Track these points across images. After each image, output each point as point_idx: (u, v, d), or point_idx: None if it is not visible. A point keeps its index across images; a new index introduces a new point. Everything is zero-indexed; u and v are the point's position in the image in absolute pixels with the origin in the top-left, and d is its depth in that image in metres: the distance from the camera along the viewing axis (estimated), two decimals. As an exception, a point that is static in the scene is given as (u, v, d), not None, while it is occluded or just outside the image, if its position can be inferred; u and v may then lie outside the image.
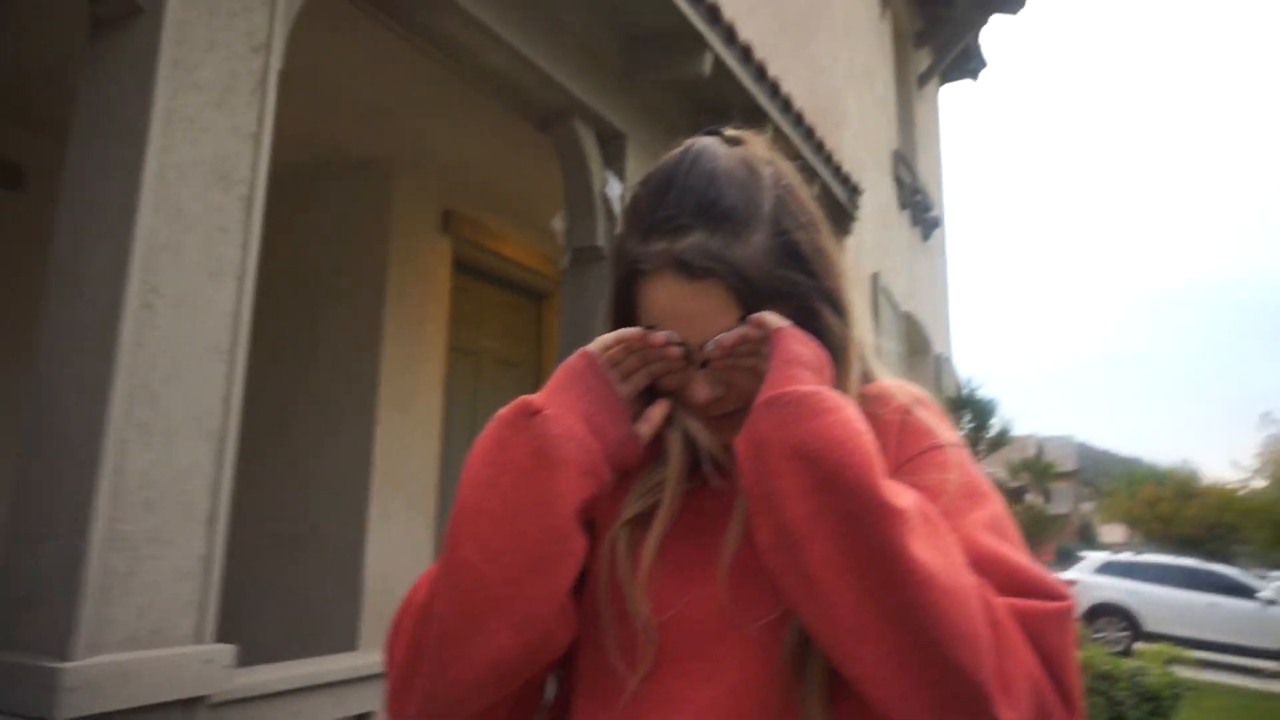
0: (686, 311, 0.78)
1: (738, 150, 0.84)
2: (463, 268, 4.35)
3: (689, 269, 0.76)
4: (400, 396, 3.83)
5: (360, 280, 3.86)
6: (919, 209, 8.46)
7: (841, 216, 4.85)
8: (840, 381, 0.80)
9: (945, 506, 0.74)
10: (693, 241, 0.77)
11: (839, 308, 0.83)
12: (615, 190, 3.04)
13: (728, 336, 0.77)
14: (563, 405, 0.78)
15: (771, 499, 0.69)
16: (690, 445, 0.84)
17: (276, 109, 1.82)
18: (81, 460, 1.46)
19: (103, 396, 1.46)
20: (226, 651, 1.63)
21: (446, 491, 4.12)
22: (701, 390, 0.81)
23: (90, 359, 1.49)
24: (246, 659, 1.89)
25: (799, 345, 0.75)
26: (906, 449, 0.80)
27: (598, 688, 0.80)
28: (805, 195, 0.85)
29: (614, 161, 3.11)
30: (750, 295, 0.77)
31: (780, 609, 0.73)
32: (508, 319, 4.81)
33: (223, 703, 1.67)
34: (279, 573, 3.71)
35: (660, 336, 0.79)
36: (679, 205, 0.78)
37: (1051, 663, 0.68)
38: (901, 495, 0.68)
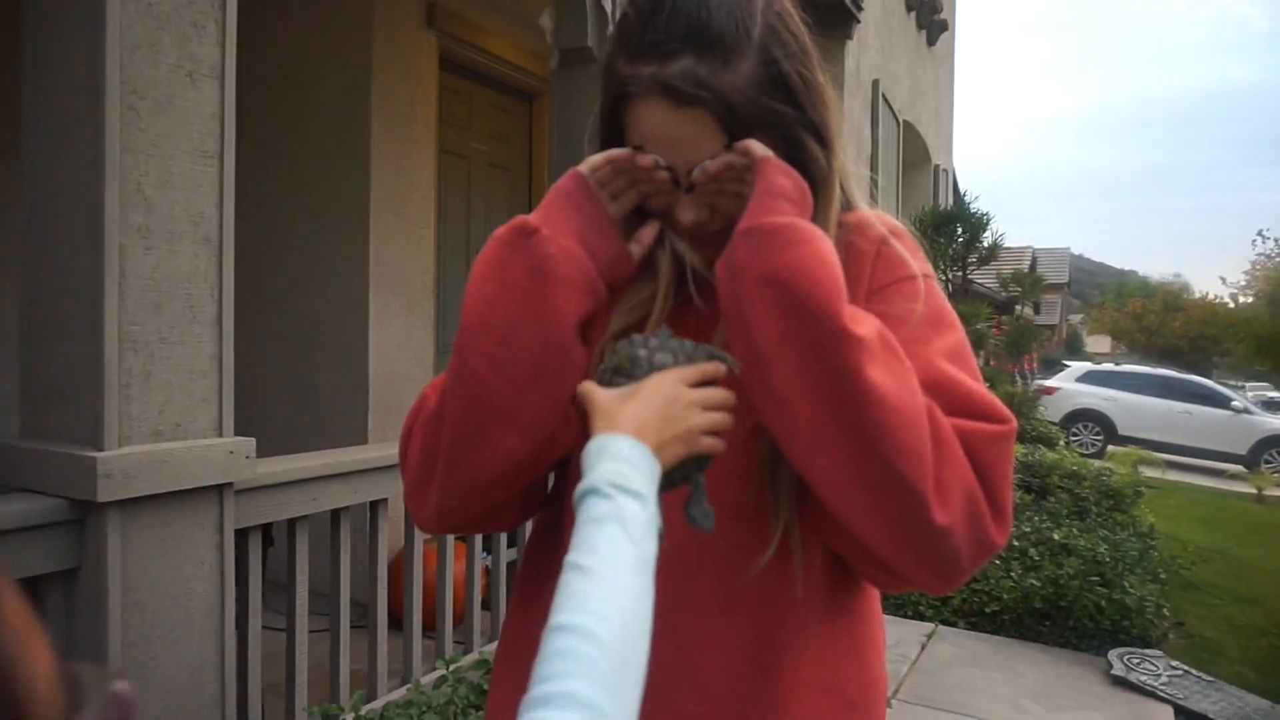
0: (672, 137, 0.79)
1: None
2: (450, 66, 4.19)
3: (676, 94, 0.77)
4: (392, 200, 3.81)
5: (345, 80, 3.74)
6: (926, 10, 8.04)
7: (843, 17, 4.63)
8: (820, 211, 0.83)
9: (910, 334, 0.80)
10: (681, 67, 0.77)
11: (823, 139, 0.84)
12: (607, -16, 2.90)
13: (713, 164, 0.79)
14: (557, 224, 0.81)
15: (744, 321, 0.74)
16: (678, 263, 0.88)
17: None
18: (86, 265, 1.50)
19: (97, 201, 1.48)
20: (248, 443, 1.74)
21: (443, 294, 4.19)
22: (687, 213, 0.84)
23: (79, 163, 1.50)
24: (266, 451, 2.02)
25: (781, 176, 0.78)
26: (880, 277, 0.85)
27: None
28: (797, 22, 0.84)
29: (604, -50, 2.94)
30: (735, 123, 0.78)
31: (755, 419, 0.79)
32: (497, 121, 4.70)
33: (247, 489, 1.80)
34: (289, 372, 3.85)
35: (648, 160, 0.81)
36: (667, 28, 0.77)
37: (987, 477, 0.76)
38: (863, 323, 0.73)
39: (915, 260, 0.87)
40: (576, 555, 0.63)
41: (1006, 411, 0.79)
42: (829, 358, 0.72)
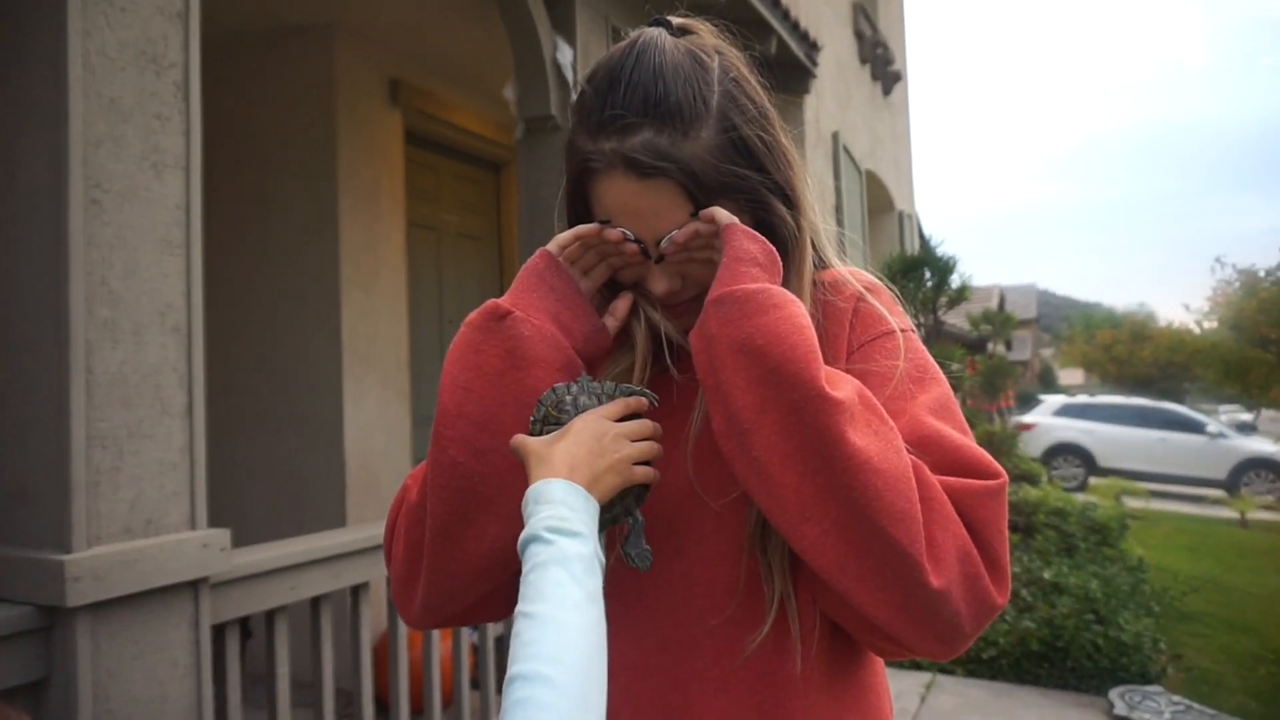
0: (638, 209, 0.80)
1: (684, 41, 0.84)
2: (416, 140, 4.24)
3: (638, 167, 0.78)
4: (362, 276, 3.81)
5: (310, 158, 3.75)
6: (880, 63, 8.26)
7: (800, 74, 4.73)
8: (793, 272, 0.83)
9: (893, 390, 0.80)
10: (641, 140, 0.77)
11: (790, 199, 0.85)
12: (566, 56, 2.95)
13: (680, 233, 0.80)
14: (529, 305, 0.81)
15: (721, 390, 0.74)
16: (653, 333, 0.88)
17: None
18: (51, 362, 1.47)
19: (61, 297, 1.45)
20: (222, 535, 1.69)
21: (417, 367, 4.17)
22: (659, 283, 0.84)
23: (41, 259, 1.48)
24: (242, 539, 1.96)
25: (748, 241, 0.78)
26: (859, 335, 0.85)
27: None
28: (754, 86, 0.85)
29: (562, 25, 3.00)
30: (700, 190, 0.79)
31: (740, 488, 0.78)
32: (466, 192, 4.74)
33: (224, 582, 1.74)
34: (265, 456, 3.79)
35: (615, 233, 0.81)
36: (625, 103, 0.78)
37: (981, 535, 0.74)
38: (841, 386, 0.73)
39: (893, 315, 0.87)
40: (524, 604, 0.65)
41: (997, 465, 0.78)
42: (809, 423, 0.71)
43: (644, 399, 0.81)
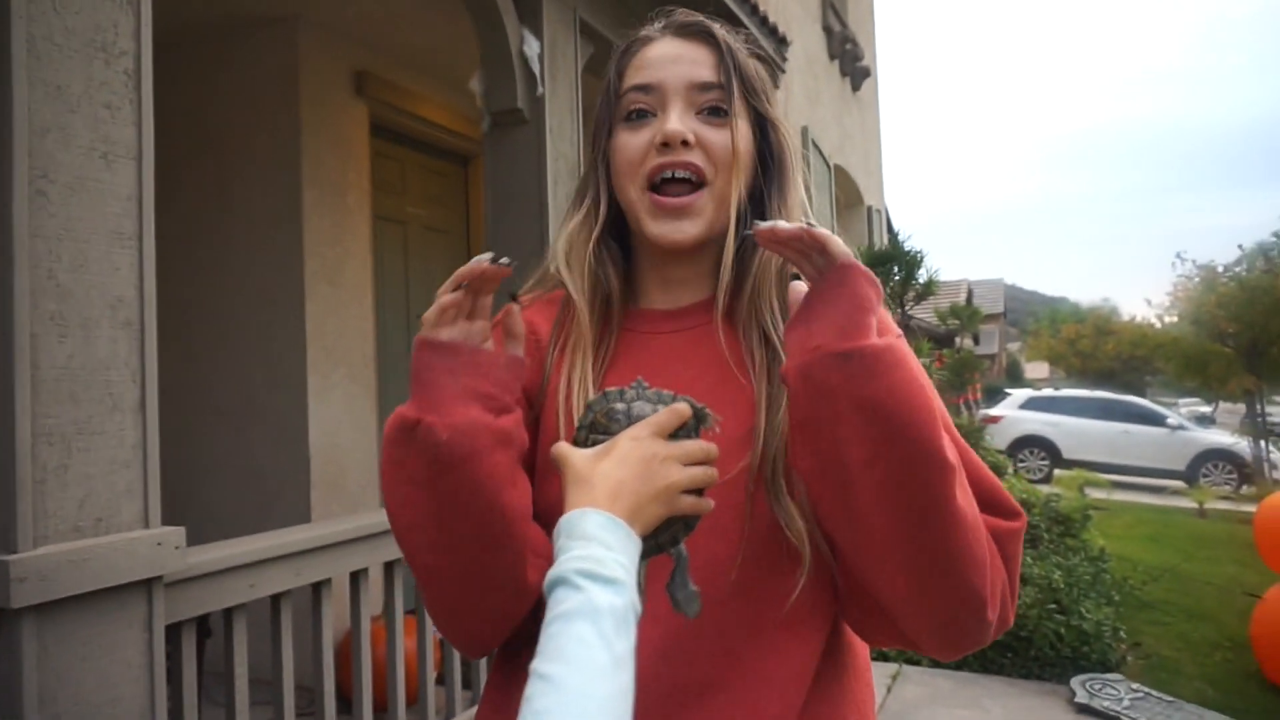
0: (677, 55, 0.87)
1: None
2: (381, 132, 4.19)
3: (687, 29, 0.89)
4: (328, 269, 3.76)
5: (274, 151, 3.69)
6: (849, 59, 8.30)
7: (769, 69, 4.73)
8: (790, 190, 0.89)
9: None
10: (699, 19, 0.91)
11: (788, 134, 0.93)
12: (533, 49, 2.92)
13: (786, 228, 0.73)
14: (435, 402, 0.75)
15: (830, 439, 0.71)
16: (605, 290, 0.89)
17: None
18: (-6, 358, 1.43)
19: (5, 290, 1.41)
20: (176, 533, 1.66)
21: (384, 362, 4.12)
22: (675, 123, 0.84)
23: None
24: (203, 536, 1.93)
25: (868, 287, 0.74)
26: None
27: None
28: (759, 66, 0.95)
29: (530, 18, 2.97)
30: (730, 70, 0.86)
31: (741, 431, 0.80)
32: (433, 185, 4.69)
33: (179, 580, 1.71)
34: (226, 451, 3.73)
35: (482, 266, 0.76)
36: (680, 13, 0.92)
37: (1011, 570, 0.80)
38: (949, 446, 0.73)
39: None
40: (542, 662, 0.56)
41: (1017, 505, 0.83)
42: (921, 484, 0.70)
43: (704, 415, 0.72)
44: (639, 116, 0.86)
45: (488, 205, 3.09)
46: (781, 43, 4.71)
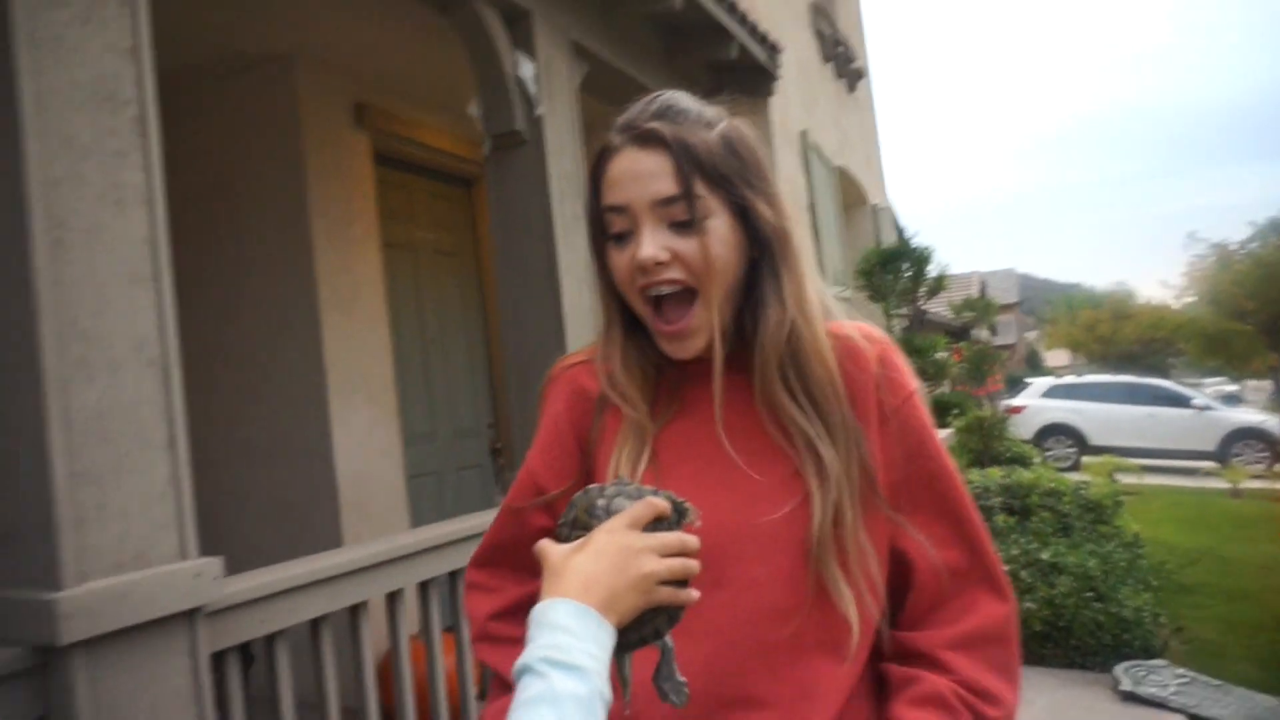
0: (635, 172, 0.87)
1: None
2: (385, 161, 4.24)
3: (641, 137, 0.88)
4: (341, 299, 3.81)
5: (279, 186, 3.76)
6: (842, 61, 8.32)
7: (763, 77, 4.75)
8: (784, 270, 0.89)
9: (921, 450, 0.90)
10: (651, 125, 0.88)
11: (776, 208, 0.91)
12: (528, 71, 2.96)
13: None
14: None
15: None
16: (649, 379, 0.94)
17: (153, 9, 1.74)
18: (27, 403, 1.46)
19: (31, 338, 1.45)
20: (214, 564, 1.69)
21: (403, 386, 4.16)
22: (646, 248, 0.87)
23: (11, 302, 1.47)
24: (239, 567, 1.95)
25: None
26: (889, 399, 0.90)
27: None
28: (755, 142, 0.94)
29: (523, 42, 3.01)
30: (692, 168, 0.86)
31: (789, 504, 0.83)
32: (438, 209, 4.74)
33: (219, 610, 1.74)
34: (256, 484, 3.78)
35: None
36: (643, 111, 0.91)
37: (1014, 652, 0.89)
38: None
39: (909, 371, 0.93)
40: None
41: (1007, 585, 0.90)
42: None
43: (684, 510, 0.74)
44: (620, 238, 0.90)
45: (494, 226, 3.13)
46: (773, 50, 4.74)
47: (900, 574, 0.89)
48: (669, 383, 0.94)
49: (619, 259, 0.90)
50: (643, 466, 0.89)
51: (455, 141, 4.61)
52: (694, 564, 0.72)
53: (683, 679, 0.74)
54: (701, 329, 0.88)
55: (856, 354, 0.90)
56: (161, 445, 1.64)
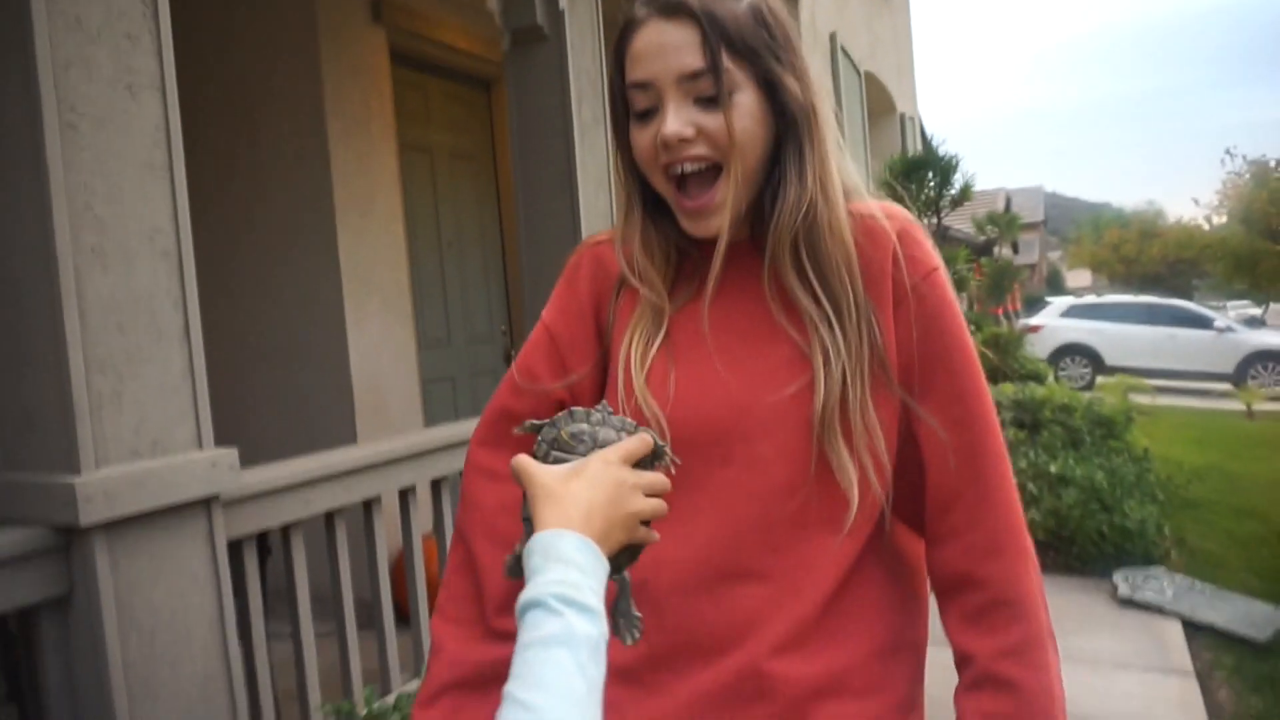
0: (660, 45, 0.84)
1: None
2: (402, 60, 4.14)
3: (670, 8, 0.84)
4: (357, 200, 3.78)
5: (295, 83, 3.68)
6: (877, -43, 7.98)
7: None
8: (810, 149, 0.86)
9: (940, 328, 0.87)
10: None
11: (804, 83, 0.87)
12: (549, -41, 2.86)
13: None
14: None
15: None
16: (670, 261, 0.93)
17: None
18: (43, 290, 1.47)
19: (46, 224, 1.45)
20: (230, 454, 1.72)
21: (419, 291, 4.17)
22: (671, 124, 0.84)
23: (23, 186, 1.47)
24: (255, 462, 2.00)
25: None
26: (908, 276, 0.87)
27: None
28: (785, 15, 0.90)
29: (543, -74, 2.89)
30: (720, 40, 0.83)
31: (796, 384, 0.83)
32: (456, 111, 4.65)
33: (236, 500, 1.78)
34: (272, 385, 3.83)
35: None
36: None
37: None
38: None
39: (931, 248, 0.91)
40: (519, 687, 0.55)
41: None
42: None
43: (661, 451, 0.74)
44: (644, 115, 0.87)
45: (512, 126, 3.07)
46: (805, -57, 4.54)
47: (915, 458, 0.89)
48: (690, 265, 0.93)
49: (642, 137, 0.87)
50: (657, 346, 0.89)
51: (473, 41, 4.48)
52: (665, 506, 0.73)
53: (638, 613, 0.75)
54: (724, 205, 0.85)
55: (875, 232, 0.88)
56: (176, 337, 1.65)
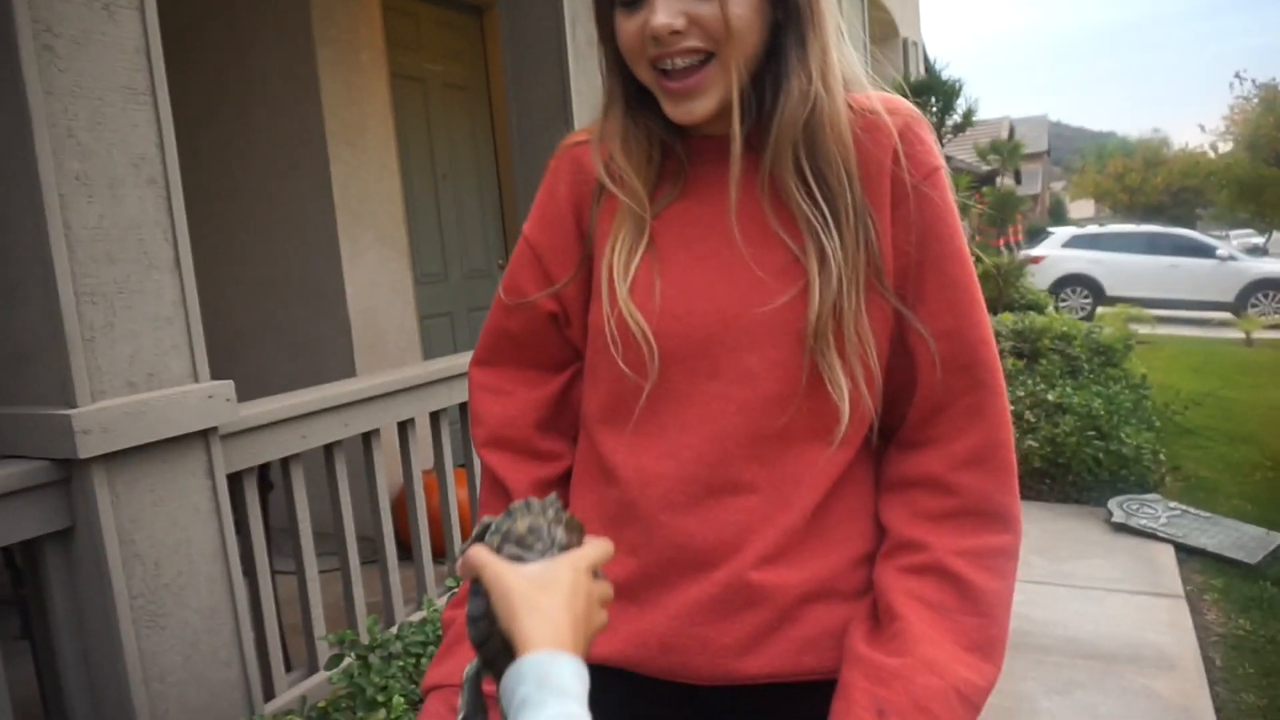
0: None
1: None
2: (389, -16, 4.02)
3: None
4: (349, 131, 3.70)
5: (283, 9, 3.58)
6: None
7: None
8: (812, 36, 0.80)
9: (940, 232, 0.83)
10: None
11: None
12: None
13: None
14: None
15: None
16: (653, 161, 0.87)
17: None
18: (28, 220, 1.44)
19: (27, 150, 1.41)
20: (227, 386, 1.71)
21: (414, 223, 4.11)
22: (660, 14, 0.79)
23: (2, 112, 1.43)
24: (253, 396, 1.99)
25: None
26: (909, 175, 0.82)
27: (616, 406, 0.88)
28: None
29: None
30: None
31: (788, 294, 0.80)
32: (449, 39, 4.53)
33: (235, 433, 1.78)
34: (267, 320, 3.81)
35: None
36: None
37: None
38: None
39: (936, 145, 0.86)
40: None
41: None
42: None
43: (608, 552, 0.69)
44: (630, 3, 0.81)
45: (506, 53, 2.99)
46: None
47: (904, 368, 0.85)
48: (673, 163, 0.88)
49: (627, 26, 0.81)
50: (640, 254, 0.86)
51: (461, -37, 4.34)
52: (606, 616, 0.69)
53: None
54: (711, 88, 0.80)
55: (876, 127, 0.83)
56: (166, 267, 1.63)
